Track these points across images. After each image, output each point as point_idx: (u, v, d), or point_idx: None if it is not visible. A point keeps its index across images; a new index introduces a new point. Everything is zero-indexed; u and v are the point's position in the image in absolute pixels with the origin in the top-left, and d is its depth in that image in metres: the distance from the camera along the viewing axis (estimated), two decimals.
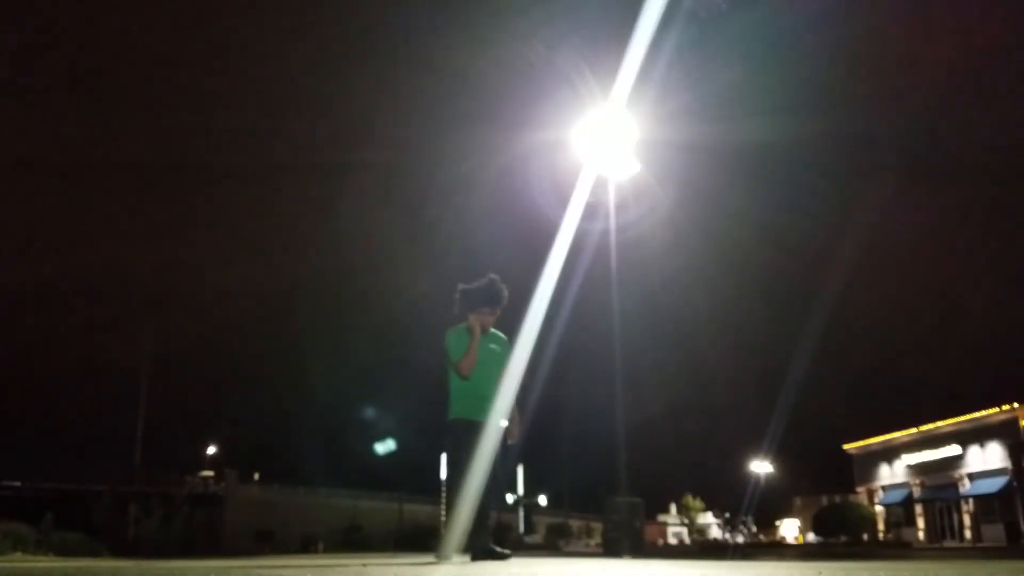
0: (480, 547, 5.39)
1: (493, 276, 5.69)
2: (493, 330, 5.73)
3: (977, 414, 36.71)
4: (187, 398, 58.65)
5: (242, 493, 40.25)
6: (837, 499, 48.17)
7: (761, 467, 54.70)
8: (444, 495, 5.66)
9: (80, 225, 57.59)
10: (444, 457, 5.59)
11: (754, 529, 63.10)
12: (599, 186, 13.31)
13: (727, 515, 61.17)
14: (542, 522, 58.63)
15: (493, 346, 5.67)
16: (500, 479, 5.47)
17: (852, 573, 3.78)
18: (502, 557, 5.41)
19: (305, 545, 35.13)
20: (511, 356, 5.76)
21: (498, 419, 5.51)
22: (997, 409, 35.49)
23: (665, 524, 65.50)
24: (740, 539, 49.72)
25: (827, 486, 56.31)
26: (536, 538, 50.51)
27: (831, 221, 57.50)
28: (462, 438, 5.42)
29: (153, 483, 37.58)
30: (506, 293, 5.68)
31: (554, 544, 45.06)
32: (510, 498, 53.82)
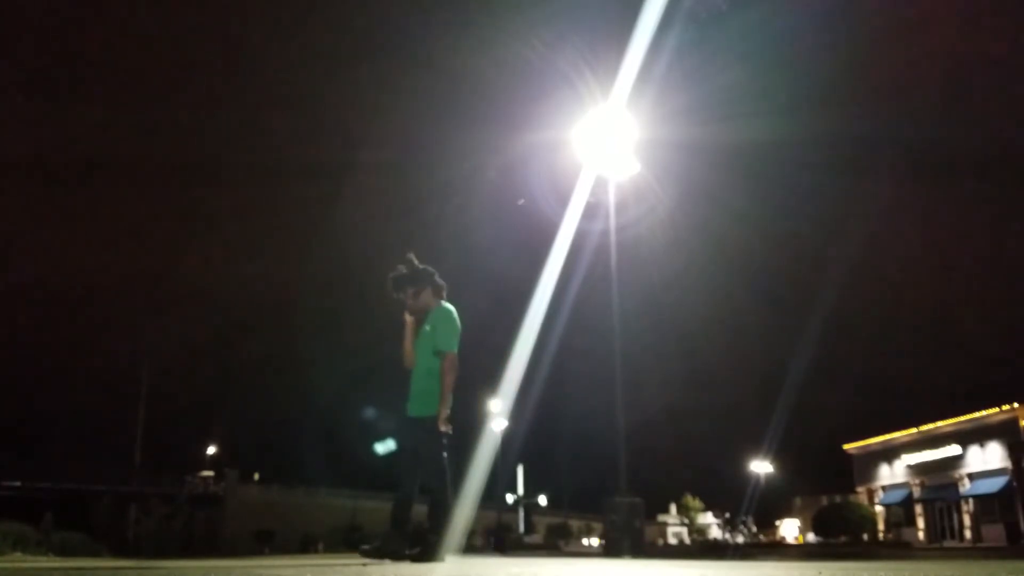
0: (372, 546, 5.07)
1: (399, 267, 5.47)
2: (439, 304, 5.39)
3: (977, 414, 36.68)
4: (187, 398, 58.66)
5: (242, 493, 40.28)
6: (837, 499, 48.02)
7: (761, 467, 54.68)
8: None
9: (80, 225, 57.63)
10: None
11: (754, 529, 63.01)
12: (599, 186, 13.32)
13: (727, 515, 61.11)
14: (542, 522, 58.64)
15: (426, 327, 5.35)
16: (427, 471, 5.05)
17: (852, 573, 3.78)
18: (369, 554, 4.96)
19: (305, 545, 35.12)
20: (449, 323, 5.27)
21: (423, 403, 5.18)
22: (997, 409, 35.47)
23: (665, 524, 65.41)
24: (740, 539, 49.69)
25: (827, 486, 56.22)
26: (536, 538, 50.51)
27: (831, 221, 57.56)
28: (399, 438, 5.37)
29: (153, 483, 37.60)
30: (400, 273, 5.39)
31: (554, 544, 45.06)
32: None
